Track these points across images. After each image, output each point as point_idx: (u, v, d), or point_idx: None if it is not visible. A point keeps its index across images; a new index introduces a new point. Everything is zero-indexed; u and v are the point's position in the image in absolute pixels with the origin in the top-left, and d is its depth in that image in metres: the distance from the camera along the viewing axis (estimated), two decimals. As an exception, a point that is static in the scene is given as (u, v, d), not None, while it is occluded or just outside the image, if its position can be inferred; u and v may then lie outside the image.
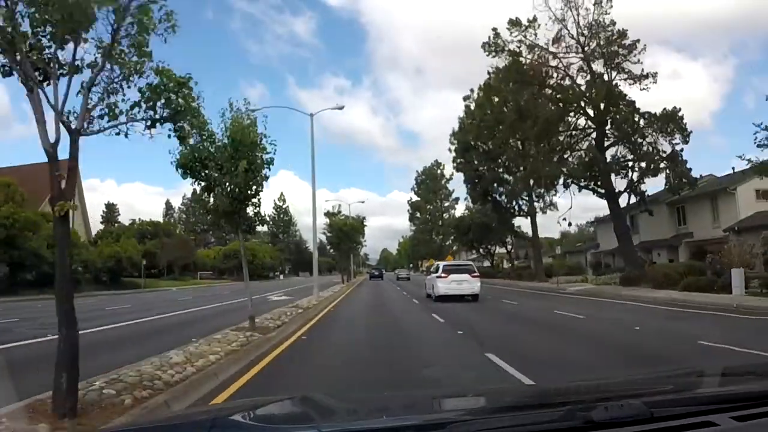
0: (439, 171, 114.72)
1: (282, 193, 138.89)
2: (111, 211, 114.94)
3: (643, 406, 1.56)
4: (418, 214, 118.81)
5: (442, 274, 23.78)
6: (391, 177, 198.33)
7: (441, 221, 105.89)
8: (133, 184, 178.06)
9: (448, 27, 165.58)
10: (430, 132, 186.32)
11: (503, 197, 49.17)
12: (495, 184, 48.29)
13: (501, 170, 46.71)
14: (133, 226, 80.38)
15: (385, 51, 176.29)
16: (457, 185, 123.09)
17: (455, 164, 48.44)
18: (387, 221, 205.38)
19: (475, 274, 23.63)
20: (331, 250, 52.99)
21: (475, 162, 47.90)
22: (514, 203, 48.68)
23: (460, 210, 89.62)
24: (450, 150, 51.73)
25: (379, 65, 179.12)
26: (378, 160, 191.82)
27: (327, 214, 44.04)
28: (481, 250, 65.30)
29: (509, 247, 60.34)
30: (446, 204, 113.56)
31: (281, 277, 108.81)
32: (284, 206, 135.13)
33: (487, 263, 69.09)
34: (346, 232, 44.96)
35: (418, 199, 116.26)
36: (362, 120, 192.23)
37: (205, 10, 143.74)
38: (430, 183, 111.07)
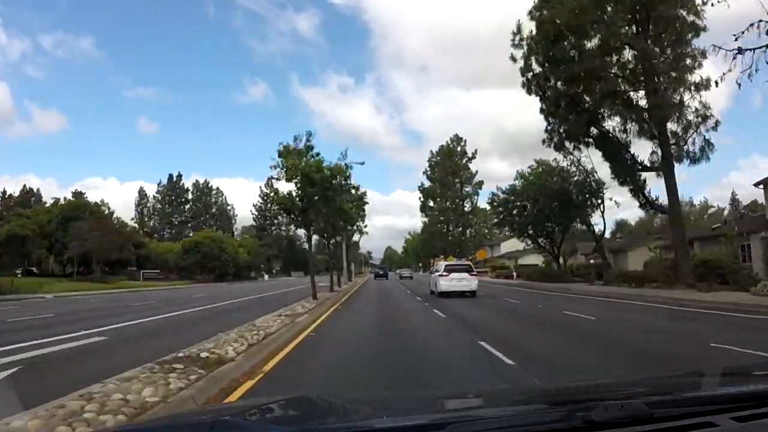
0: (459, 148, 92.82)
1: (270, 179, 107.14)
2: (78, 199, 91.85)
3: (643, 406, 1.52)
4: (431, 203, 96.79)
5: (444, 273, 26.59)
6: (394, 176, 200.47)
7: (461, 210, 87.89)
8: (135, 182, 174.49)
9: (451, 25, 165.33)
10: (434, 131, 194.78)
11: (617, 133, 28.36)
12: (607, 108, 26.71)
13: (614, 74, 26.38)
14: (56, 206, 53.42)
15: (389, 48, 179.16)
16: (482, 164, 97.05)
17: (526, 79, 18.46)
18: (391, 221, 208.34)
19: (473, 273, 26.86)
20: (294, 227, 25.91)
21: (571, 67, 26.75)
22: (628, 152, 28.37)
23: (484, 197, 70.92)
24: (513, 58, 30.27)
25: (382, 63, 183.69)
26: (381, 159, 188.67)
27: (283, 151, 21.55)
28: (540, 240, 45.03)
29: (598, 230, 38.88)
30: (467, 189, 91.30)
31: (266, 277, 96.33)
32: (272, 194, 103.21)
33: (535, 259, 56.66)
34: (319, 183, 21.93)
35: (432, 184, 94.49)
36: (366, 118, 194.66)
37: (206, 6, 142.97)
38: (447, 163, 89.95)
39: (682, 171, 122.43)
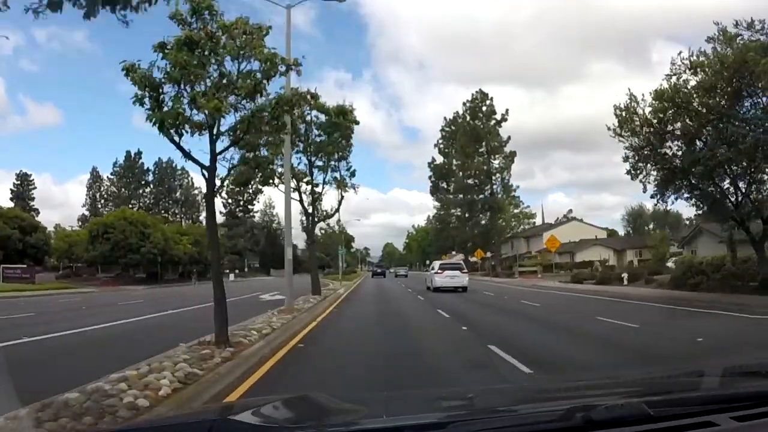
0: (485, 107, 65.94)
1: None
2: (25, 183, 77.96)
3: (643, 406, 1.51)
4: (443, 184, 72.48)
5: (439, 271, 28.49)
6: (392, 174, 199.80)
7: (489, 188, 62.22)
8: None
9: (450, 20, 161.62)
10: (433, 129, 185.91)
11: None
12: None
13: None
14: None
15: (387, 44, 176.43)
16: (516, 126, 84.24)
17: None
18: (389, 219, 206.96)
19: (465, 270, 29.37)
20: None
21: None
22: None
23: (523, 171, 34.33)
24: None
25: (380, 59, 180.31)
26: (379, 157, 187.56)
27: None
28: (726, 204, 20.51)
29: None
30: (496, 162, 64.51)
31: (231, 277, 67.73)
32: None
33: (600, 252, 48.71)
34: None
35: (445, 159, 70.24)
36: (363, 115, 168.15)
37: None
38: (469, 128, 64.04)
39: None
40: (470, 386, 6.07)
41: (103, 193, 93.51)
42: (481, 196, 64.10)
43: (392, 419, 1.64)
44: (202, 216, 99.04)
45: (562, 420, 1.46)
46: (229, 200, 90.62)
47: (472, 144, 63.57)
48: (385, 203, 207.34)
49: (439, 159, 72.65)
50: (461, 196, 66.09)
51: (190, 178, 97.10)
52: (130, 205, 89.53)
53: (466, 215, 66.90)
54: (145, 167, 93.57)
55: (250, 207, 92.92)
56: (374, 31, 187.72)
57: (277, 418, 1.73)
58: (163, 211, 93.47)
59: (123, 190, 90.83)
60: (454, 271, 28.47)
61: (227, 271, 76.10)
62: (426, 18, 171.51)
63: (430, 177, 74.19)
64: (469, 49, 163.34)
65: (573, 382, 3.22)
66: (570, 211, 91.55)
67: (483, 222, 63.97)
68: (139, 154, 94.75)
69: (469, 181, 63.90)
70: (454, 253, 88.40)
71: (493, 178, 63.41)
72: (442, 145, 72.14)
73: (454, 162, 69.62)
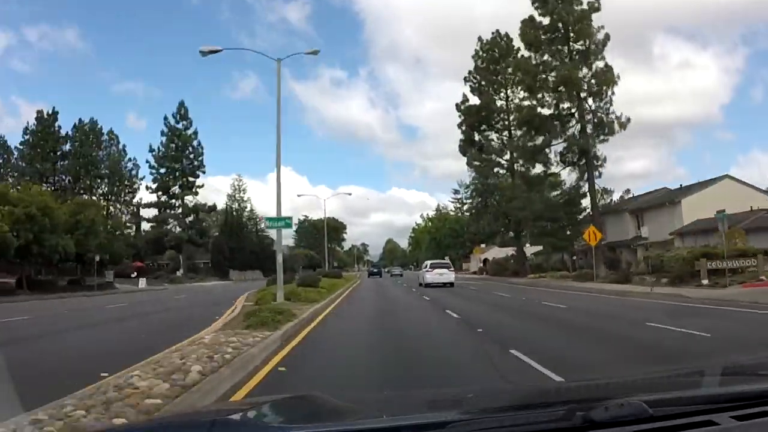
0: None
1: (182, 104, 47.57)
2: None
3: (643, 405, 1.47)
4: (479, 137, 45.65)
5: (429, 269, 34.06)
6: (390, 173, 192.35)
7: (580, 117, 34.62)
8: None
9: (447, 15, 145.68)
10: (431, 126, 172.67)
11: None
12: None
13: None
14: None
15: (383, 40, 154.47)
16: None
17: None
18: (388, 218, 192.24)
19: (451, 269, 36.00)
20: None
21: None
22: None
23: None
24: None
25: (376, 55, 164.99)
26: (377, 156, 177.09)
27: None
28: None
29: None
30: (588, 74, 35.63)
31: (142, 284, 49.55)
32: (186, 130, 42.66)
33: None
34: None
35: (484, 96, 43.91)
36: (360, 113, 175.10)
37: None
38: (541, 21, 36.76)
39: None
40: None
41: (10, 169, 66.03)
42: (563, 136, 36.09)
43: (392, 419, 1.61)
44: (137, 197, 71.48)
45: (562, 420, 1.40)
46: (161, 169, 62.88)
47: (548, 45, 35.41)
48: (384, 202, 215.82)
49: (472, 99, 44.55)
50: (524, 140, 37.78)
51: (120, 146, 70.26)
52: (44, 185, 61.95)
53: (530, 176, 38.38)
54: (63, 132, 69.94)
55: (192, 180, 64.29)
56: (370, 27, 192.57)
57: (277, 418, 1.73)
58: (82, 191, 66.19)
59: (35, 161, 67.07)
60: (443, 269, 33.70)
61: (134, 275, 48.80)
62: (422, 12, 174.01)
63: (459, 125, 46.43)
64: (467, 43, 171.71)
65: (573, 382, 3.22)
66: (629, 191, 66.28)
67: (567, 185, 36.04)
68: (53, 114, 68.58)
69: (542, 110, 35.87)
70: (483, 246, 57.87)
71: (587, 104, 35.34)
72: (475, 79, 44.51)
73: (500, 100, 41.77)
